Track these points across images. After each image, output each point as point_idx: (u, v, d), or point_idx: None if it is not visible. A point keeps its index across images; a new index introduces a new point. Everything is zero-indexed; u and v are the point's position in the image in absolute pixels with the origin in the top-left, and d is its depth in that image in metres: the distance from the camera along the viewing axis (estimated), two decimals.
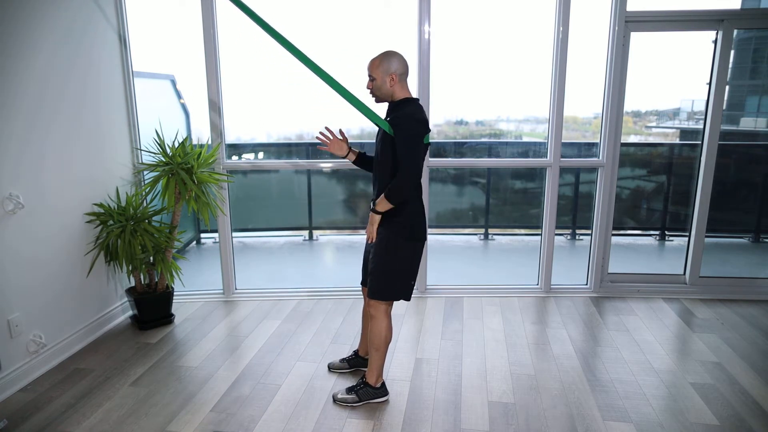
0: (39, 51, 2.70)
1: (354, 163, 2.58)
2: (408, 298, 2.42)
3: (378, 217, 2.33)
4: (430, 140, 2.44)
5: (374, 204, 2.33)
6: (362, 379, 2.53)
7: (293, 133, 4.95)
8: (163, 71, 4.47)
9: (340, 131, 2.51)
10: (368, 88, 2.37)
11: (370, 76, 2.34)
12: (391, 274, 2.37)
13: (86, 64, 3.06)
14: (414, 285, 2.45)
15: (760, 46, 4.09)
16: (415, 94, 3.52)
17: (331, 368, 2.78)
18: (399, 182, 2.22)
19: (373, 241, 2.38)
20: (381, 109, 2.41)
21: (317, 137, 2.50)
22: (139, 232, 3.07)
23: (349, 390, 2.51)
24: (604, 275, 3.84)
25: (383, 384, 2.53)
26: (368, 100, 2.40)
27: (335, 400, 2.50)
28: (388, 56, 2.30)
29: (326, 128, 2.50)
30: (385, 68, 2.29)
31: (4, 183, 2.51)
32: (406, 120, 2.22)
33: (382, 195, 2.27)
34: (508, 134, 4.75)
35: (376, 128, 2.40)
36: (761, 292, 3.76)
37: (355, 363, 2.79)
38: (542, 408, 2.44)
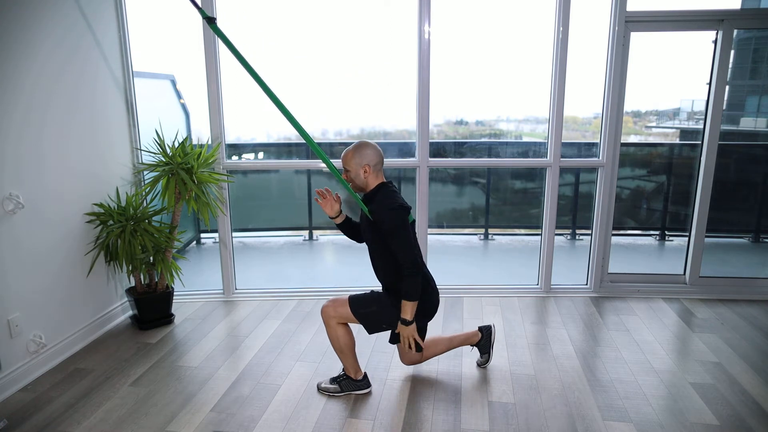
0: (38, 51, 2.70)
1: (338, 226, 2.63)
2: (369, 332, 2.50)
3: (412, 327, 2.38)
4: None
5: (401, 314, 2.36)
6: (344, 371, 2.59)
7: (293, 133, 4.94)
8: (163, 71, 4.47)
9: (336, 195, 2.56)
10: (344, 178, 2.44)
11: (345, 168, 2.42)
12: (381, 318, 2.45)
13: (86, 64, 3.06)
14: (385, 329, 2.52)
15: (760, 46, 4.08)
16: (415, 94, 3.54)
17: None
18: (408, 281, 2.29)
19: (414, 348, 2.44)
20: None
21: (317, 191, 2.58)
22: (139, 232, 3.07)
23: (333, 380, 2.59)
24: (604, 275, 3.84)
25: (365, 376, 2.59)
26: None
27: (319, 388, 2.60)
28: (360, 149, 2.37)
29: (326, 189, 2.55)
30: (358, 160, 2.36)
31: (4, 183, 2.51)
32: (384, 214, 2.29)
33: (404, 302, 2.33)
34: (508, 134, 4.74)
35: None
36: (761, 292, 3.76)
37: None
38: (542, 408, 2.44)
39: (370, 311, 2.44)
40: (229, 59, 3.52)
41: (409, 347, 2.41)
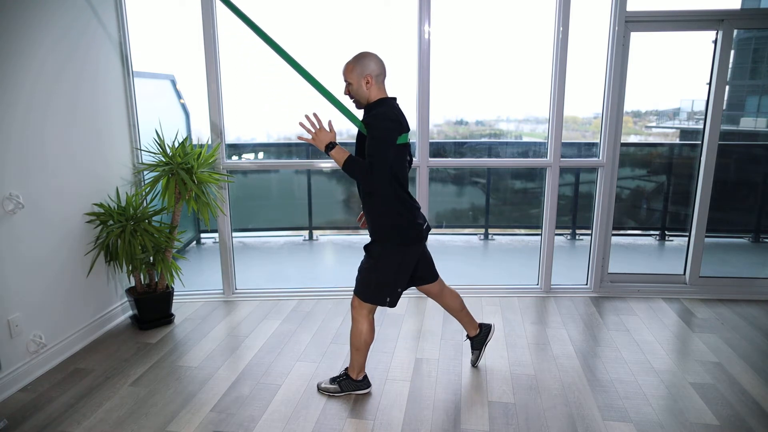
0: (37, 51, 2.70)
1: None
2: (392, 305, 2.42)
3: (320, 148, 2.21)
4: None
5: (334, 147, 2.21)
6: (345, 371, 2.58)
7: (293, 133, 4.95)
8: (163, 71, 4.47)
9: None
10: (346, 93, 2.32)
11: (346, 81, 2.30)
12: (376, 279, 2.38)
13: (85, 64, 3.06)
14: (401, 293, 2.45)
15: (760, 46, 4.08)
16: (415, 95, 3.54)
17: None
18: (360, 166, 2.15)
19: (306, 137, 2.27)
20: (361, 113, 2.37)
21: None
22: (139, 232, 3.07)
23: (333, 380, 2.58)
24: (604, 275, 3.84)
25: (365, 377, 2.58)
26: (350, 105, 2.37)
27: (319, 388, 2.59)
28: (361, 58, 2.26)
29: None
30: (360, 71, 2.25)
31: (4, 183, 2.51)
32: (376, 120, 2.19)
33: (348, 153, 2.20)
34: (508, 134, 4.74)
35: None
36: (761, 292, 3.76)
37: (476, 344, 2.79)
38: (542, 408, 2.44)
39: (374, 284, 2.37)
40: (230, 59, 3.53)
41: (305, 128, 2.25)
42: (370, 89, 2.27)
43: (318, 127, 2.27)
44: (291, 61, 2.33)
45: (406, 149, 2.33)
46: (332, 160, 3.98)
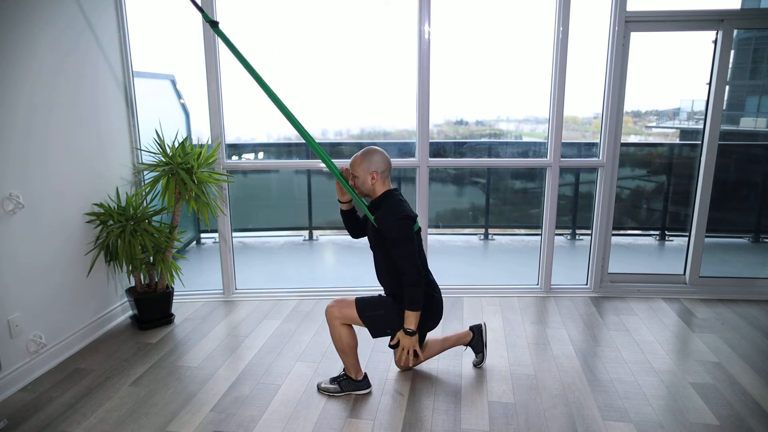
0: (37, 51, 2.70)
1: (342, 213, 2.62)
2: (373, 336, 2.52)
3: (415, 338, 2.38)
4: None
5: (405, 324, 2.37)
6: (344, 371, 2.59)
7: (293, 133, 4.94)
8: (163, 71, 4.47)
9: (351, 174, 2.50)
10: (351, 184, 2.43)
11: (352, 174, 2.41)
12: (384, 316, 2.45)
13: (85, 64, 3.06)
14: (389, 334, 2.52)
15: (760, 46, 4.09)
16: (415, 94, 3.54)
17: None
18: (410, 291, 2.30)
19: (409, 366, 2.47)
20: None
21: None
22: (139, 232, 3.07)
23: (333, 380, 2.59)
24: (604, 275, 3.84)
25: (365, 377, 2.59)
26: None
27: (319, 388, 2.60)
28: (368, 155, 2.38)
29: (345, 169, 2.49)
30: (366, 167, 2.37)
31: (4, 183, 2.51)
32: (390, 223, 2.30)
33: (407, 312, 2.34)
34: (508, 134, 4.74)
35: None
36: (761, 292, 3.76)
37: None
38: (542, 408, 2.44)
39: (377, 315, 2.44)
40: (230, 59, 3.52)
41: (407, 357, 2.42)
42: (375, 184, 2.40)
43: (401, 349, 2.44)
44: (301, 130, 2.37)
45: (419, 234, 2.46)
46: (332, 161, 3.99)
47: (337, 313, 2.46)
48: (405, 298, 2.33)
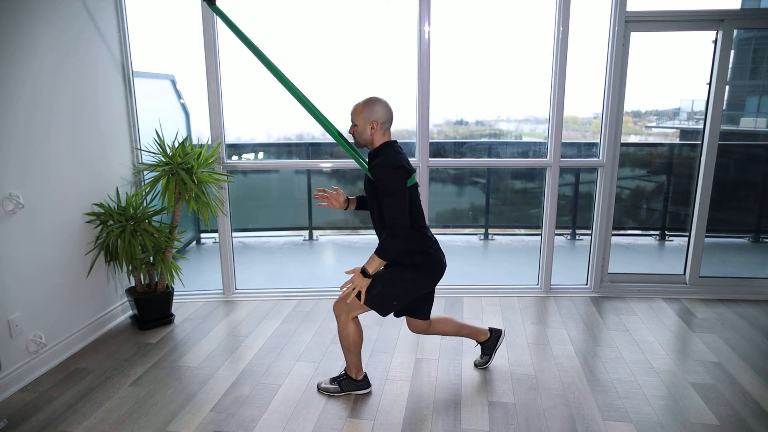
0: (36, 51, 2.70)
1: (357, 209, 2.58)
2: (382, 314, 2.43)
3: (366, 281, 2.32)
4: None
5: (366, 264, 2.32)
6: (345, 371, 2.58)
7: (293, 133, 4.95)
8: (163, 71, 4.47)
9: (334, 188, 2.52)
10: (350, 133, 2.39)
11: (352, 122, 2.36)
12: (386, 289, 2.38)
13: (85, 64, 3.06)
14: (396, 307, 2.46)
15: (760, 46, 4.09)
16: (415, 94, 3.54)
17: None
18: (387, 240, 2.24)
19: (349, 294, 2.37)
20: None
21: (315, 195, 2.54)
22: (139, 232, 3.07)
23: (333, 380, 2.58)
24: (604, 275, 3.84)
25: (365, 376, 2.58)
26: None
27: (319, 388, 2.59)
28: (371, 103, 2.32)
29: (319, 190, 2.53)
30: (367, 116, 2.30)
31: (4, 183, 2.51)
32: (383, 171, 2.23)
33: (373, 254, 2.29)
34: (508, 134, 4.74)
35: None
36: (761, 292, 3.76)
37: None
38: (542, 408, 2.44)
39: (376, 292, 2.38)
40: (229, 59, 3.53)
41: (349, 292, 2.34)
42: (374, 135, 2.32)
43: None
44: (298, 95, 2.35)
45: (416, 189, 2.40)
46: (332, 161, 4.00)
47: (343, 306, 2.42)
48: (380, 244, 2.27)
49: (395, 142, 2.38)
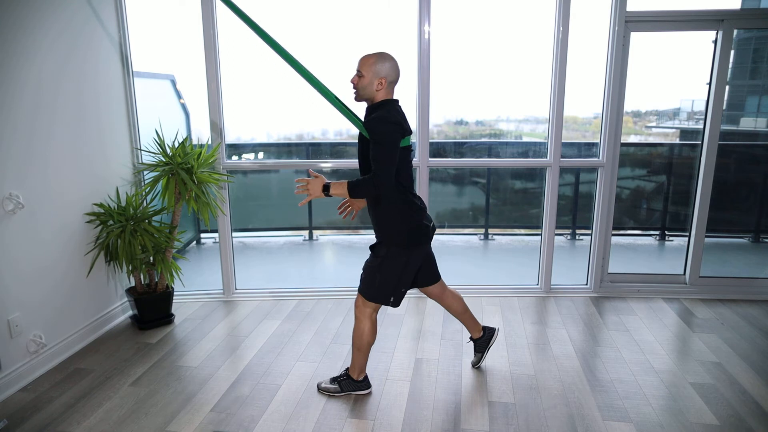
0: (36, 51, 2.70)
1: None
2: (395, 305, 2.43)
3: (319, 195, 2.25)
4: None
5: (329, 186, 2.25)
6: (345, 371, 2.58)
7: (293, 133, 4.95)
8: (163, 71, 4.47)
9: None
10: (352, 82, 2.28)
11: (359, 71, 2.25)
12: (381, 278, 2.37)
13: (86, 64, 3.06)
14: (405, 293, 2.45)
15: (760, 46, 4.09)
16: (415, 95, 3.54)
17: None
18: (366, 183, 2.17)
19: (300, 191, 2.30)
20: (359, 109, 2.37)
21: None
22: (139, 232, 3.07)
23: (333, 380, 2.58)
24: (604, 275, 3.84)
25: (365, 378, 2.58)
26: (346, 97, 2.35)
27: (319, 388, 2.59)
28: (383, 59, 2.23)
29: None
30: (377, 70, 2.22)
31: (4, 183, 2.51)
32: (377, 123, 2.16)
33: (346, 181, 2.22)
34: (508, 134, 4.74)
35: None
36: (761, 292, 3.76)
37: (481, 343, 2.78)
38: (542, 408, 2.44)
39: (378, 284, 2.37)
40: (230, 59, 3.52)
41: (303, 189, 2.28)
42: (379, 91, 2.25)
43: (305, 182, 2.31)
44: (291, 60, 2.31)
45: (409, 151, 2.32)
46: (333, 161, 3.98)
47: (360, 302, 2.42)
48: (357, 179, 2.20)
49: (397, 100, 2.31)
